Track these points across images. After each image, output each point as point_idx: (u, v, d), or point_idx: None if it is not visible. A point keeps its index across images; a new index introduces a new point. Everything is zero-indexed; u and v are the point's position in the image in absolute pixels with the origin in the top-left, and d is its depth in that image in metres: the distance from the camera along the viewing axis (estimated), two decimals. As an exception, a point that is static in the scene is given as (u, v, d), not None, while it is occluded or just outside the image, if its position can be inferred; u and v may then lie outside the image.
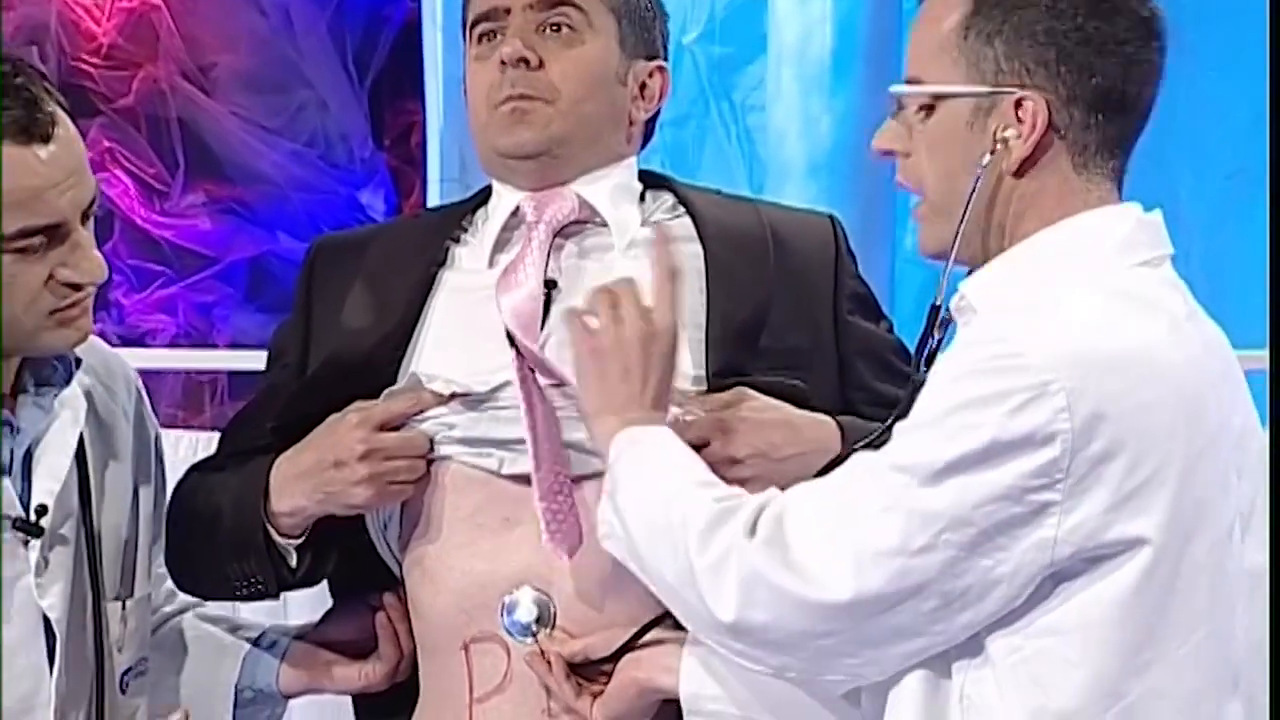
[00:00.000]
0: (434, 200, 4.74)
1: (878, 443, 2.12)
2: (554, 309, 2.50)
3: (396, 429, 2.45)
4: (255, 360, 4.08)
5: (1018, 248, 2.13)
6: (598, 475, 2.40)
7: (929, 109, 2.14)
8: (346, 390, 2.48)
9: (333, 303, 2.61)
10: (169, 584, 2.63)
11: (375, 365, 2.51)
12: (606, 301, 2.31)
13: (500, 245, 2.55)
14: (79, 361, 2.46)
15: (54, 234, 2.34)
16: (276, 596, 2.59)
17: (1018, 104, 2.10)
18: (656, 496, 2.19)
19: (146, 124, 4.87)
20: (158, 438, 2.59)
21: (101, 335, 4.81)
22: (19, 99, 2.36)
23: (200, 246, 4.79)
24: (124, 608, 2.49)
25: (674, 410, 2.41)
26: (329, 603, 2.68)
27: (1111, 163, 2.13)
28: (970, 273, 2.19)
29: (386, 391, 2.49)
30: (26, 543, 2.39)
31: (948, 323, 2.22)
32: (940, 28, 2.13)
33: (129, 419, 2.55)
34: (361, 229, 2.86)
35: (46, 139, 2.33)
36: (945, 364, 2.07)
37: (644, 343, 2.29)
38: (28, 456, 2.41)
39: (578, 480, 2.46)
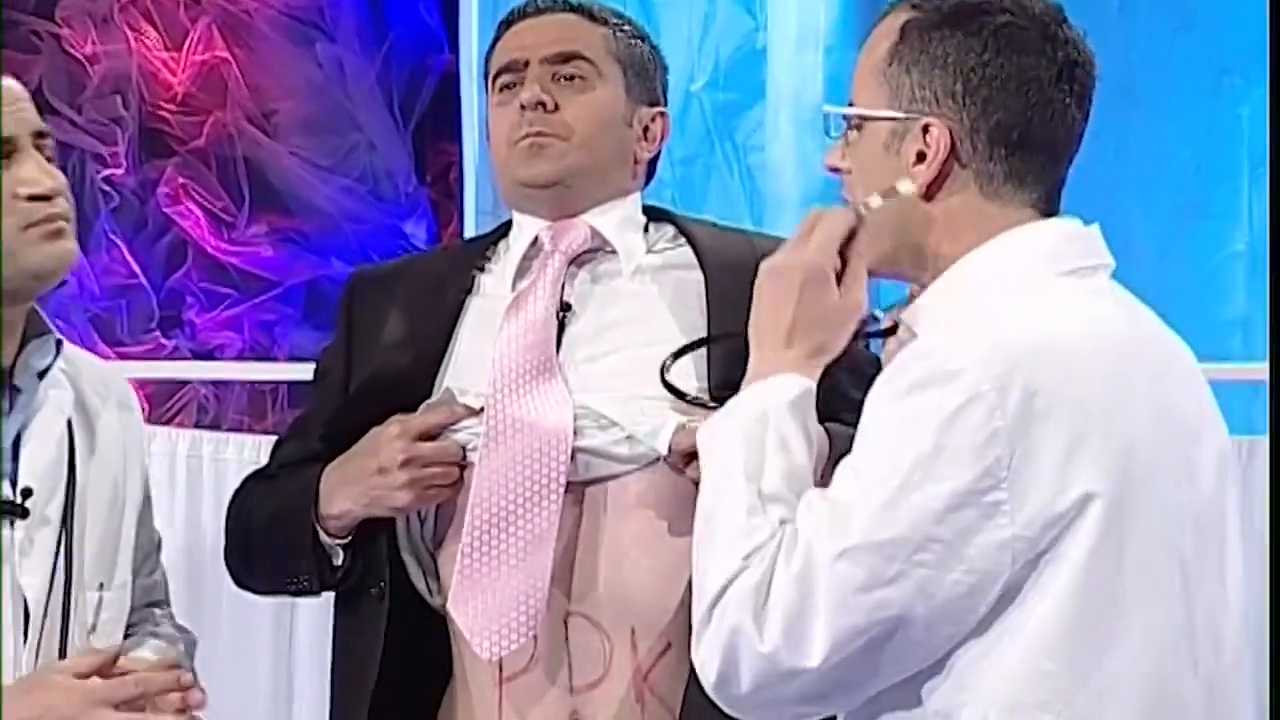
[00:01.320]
0: (470, 230, 4.75)
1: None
2: (569, 329, 2.52)
3: (433, 438, 2.45)
4: (311, 372, 4.31)
5: (945, 275, 2.03)
6: (612, 478, 2.44)
7: (858, 129, 2.05)
8: (386, 404, 2.47)
9: (371, 327, 2.59)
10: (152, 580, 2.52)
11: (412, 382, 2.50)
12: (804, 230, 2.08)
13: (521, 272, 2.56)
14: (59, 345, 2.35)
15: (7, 149, 2.26)
16: (319, 593, 2.58)
17: (925, 130, 2.02)
18: (707, 507, 2.00)
19: (216, 163, 4.82)
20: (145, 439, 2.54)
21: (175, 350, 4.86)
22: None
23: (263, 271, 4.76)
24: (100, 598, 2.38)
25: (680, 418, 2.40)
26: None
27: (1026, 193, 2.03)
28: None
29: (424, 405, 2.49)
30: (12, 523, 2.30)
31: (888, 332, 2.10)
32: (873, 55, 2.06)
33: (121, 423, 2.44)
34: (392, 262, 2.86)
35: None
36: (880, 387, 1.95)
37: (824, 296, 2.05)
38: (16, 438, 2.32)
39: (588, 484, 2.45)
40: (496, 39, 2.65)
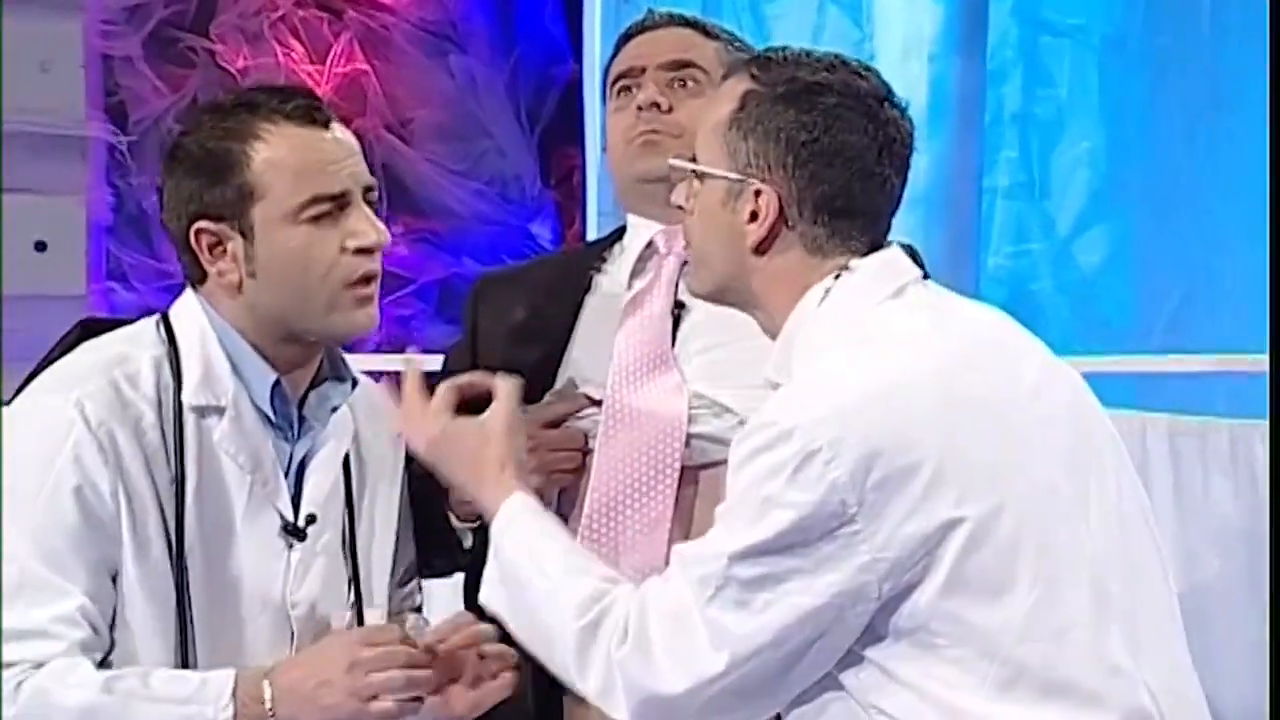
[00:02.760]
0: (592, 229, 4.76)
1: None
2: (683, 324, 2.55)
3: (557, 426, 2.50)
4: (440, 366, 4.29)
5: (785, 327, 2.12)
6: (725, 462, 2.44)
7: (700, 180, 2.15)
8: None
9: (495, 327, 2.63)
10: (409, 589, 2.53)
11: (536, 376, 2.52)
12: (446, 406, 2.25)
13: (636, 273, 2.60)
14: (355, 383, 2.37)
15: (340, 203, 2.26)
16: (450, 575, 2.61)
17: (757, 194, 2.10)
18: (531, 613, 2.12)
19: (357, 168, 4.91)
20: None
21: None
22: (298, 94, 2.31)
23: (400, 269, 4.70)
24: (364, 620, 2.35)
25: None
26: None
27: (849, 246, 2.10)
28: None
29: (548, 396, 2.53)
30: (290, 545, 2.30)
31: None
32: (715, 116, 2.14)
33: (394, 447, 2.43)
34: (514, 266, 2.89)
35: (327, 125, 2.28)
36: (736, 449, 2.05)
37: (503, 433, 2.22)
38: (302, 464, 2.33)
39: (702, 468, 2.47)
40: (616, 50, 2.69)
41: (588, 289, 2.63)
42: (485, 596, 2.17)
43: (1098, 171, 4.65)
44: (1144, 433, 3.82)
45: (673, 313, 2.57)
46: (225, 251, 2.27)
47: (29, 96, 4.40)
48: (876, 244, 2.13)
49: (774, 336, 2.15)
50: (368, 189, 2.29)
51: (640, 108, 2.58)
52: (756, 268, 2.14)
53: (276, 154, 2.25)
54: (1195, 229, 4.56)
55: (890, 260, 2.13)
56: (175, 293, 2.37)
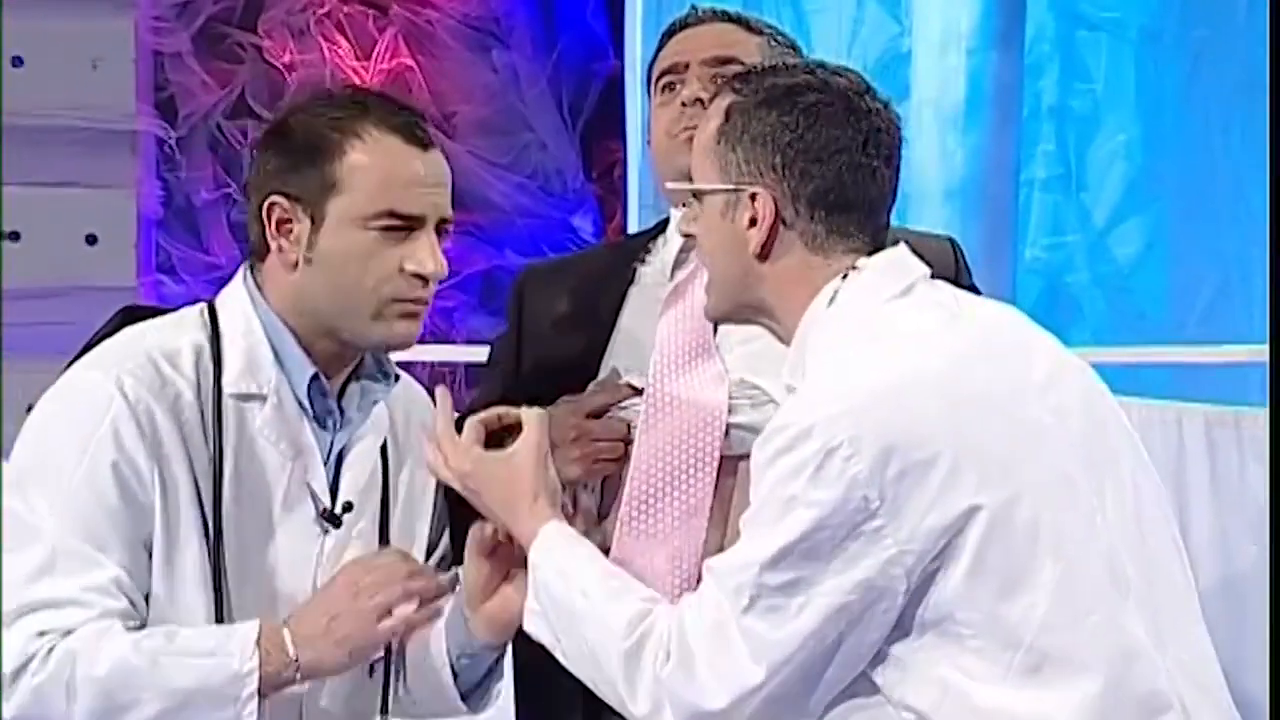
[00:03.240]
0: (633, 222, 4.76)
1: None
2: None
3: (600, 417, 2.48)
4: (487, 354, 4.28)
5: (798, 331, 2.14)
6: None
7: (699, 200, 2.17)
8: (555, 385, 2.51)
9: (539, 318, 2.64)
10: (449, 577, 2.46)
11: (579, 365, 2.55)
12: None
13: (678, 264, 2.60)
14: (396, 378, 2.36)
15: (413, 226, 2.25)
16: None
17: (753, 199, 2.12)
18: (577, 638, 2.12)
19: (401, 161, 4.91)
20: None
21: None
22: (409, 110, 2.30)
23: None
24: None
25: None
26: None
27: (849, 243, 2.12)
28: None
29: (591, 386, 2.52)
30: (325, 531, 2.30)
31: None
32: (704, 135, 2.17)
33: (419, 442, 2.40)
34: (558, 258, 2.89)
35: (426, 147, 2.28)
36: (757, 454, 2.06)
37: (530, 466, 2.22)
38: (340, 453, 2.33)
39: (741, 458, 2.42)
40: (660, 46, 2.69)
41: (631, 280, 2.62)
42: (529, 626, 2.18)
43: (1134, 164, 4.65)
44: (1180, 423, 3.81)
45: None
46: (290, 231, 2.27)
47: (81, 92, 4.43)
48: (878, 239, 2.15)
49: (788, 344, 2.16)
50: (443, 220, 2.28)
51: (684, 104, 2.58)
52: (764, 275, 2.15)
53: (369, 159, 2.25)
54: (1230, 221, 4.56)
55: (897, 259, 2.15)
56: (222, 285, 2.38)
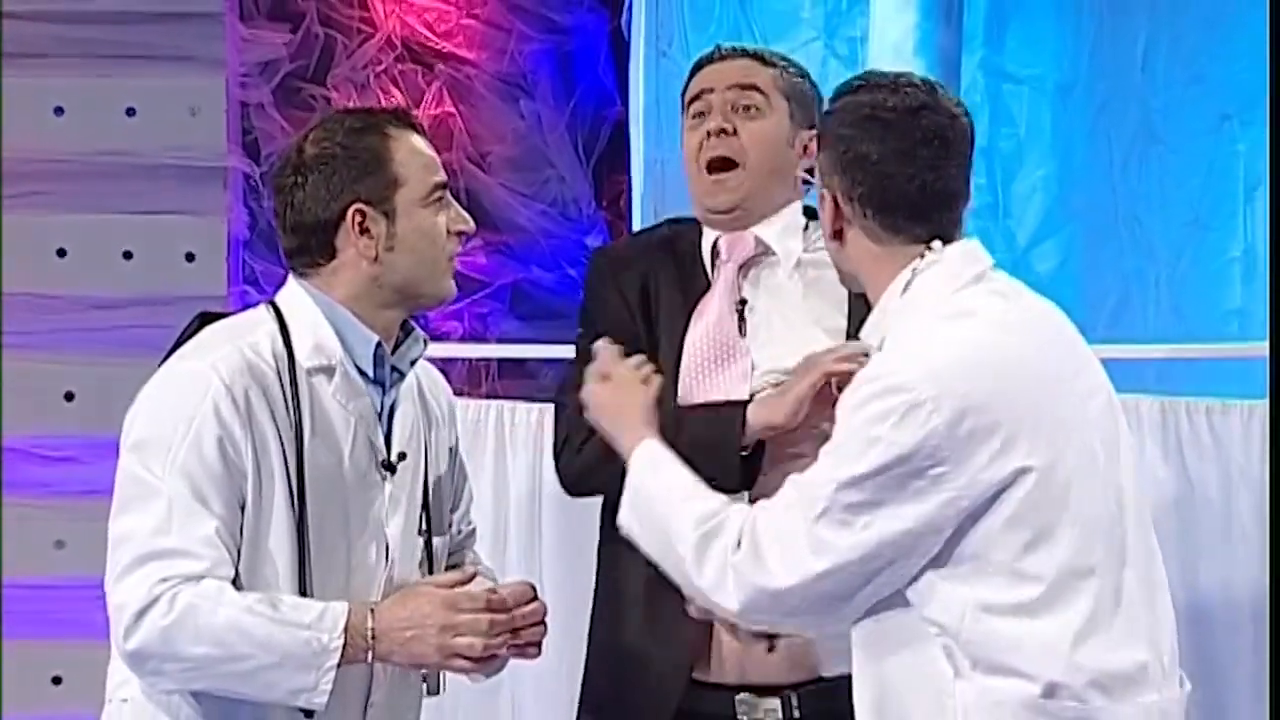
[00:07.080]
0: None
1: None
2: (748, 318, 2.62)
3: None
4: (515, 352, 4.39)
5: (880, 301, 2.17)
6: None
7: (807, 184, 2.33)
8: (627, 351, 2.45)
9: (610, 294, 2.68)
10: (470, 527, 2.55)
11: (639, 336, 2.60)
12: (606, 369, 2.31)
13: (712, 264, 2.68)
14: (425, 340, 2.42)
15: (446, 191, 2.36)
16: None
17: (828, 196, 2.21)
18: (657, 524, 2.14)
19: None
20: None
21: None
22: (398, 109, 2.40)
23: (478, 275, 4.75)
24: (432, 542, 2.42)
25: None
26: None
27: (906, 237, 2.15)
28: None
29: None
30: (384, 478, 2.34)
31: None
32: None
33: (446, 406, 2.50)
34: (622, 244, 3.00)
35: (421, 132, 2.37)
36: (847, 396, 2.10)
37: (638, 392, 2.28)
38: (390, 412, 2.37)
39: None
40: (691, 76, 2.75)
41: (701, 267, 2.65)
42: (621, 518, 2.19)
43: (1050, 195, 4.66)
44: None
45: (737, 309, 2.62)
46: (369, 231, 2.32)
47: (181, 136, 4.53)
48: (941, 232, 2.15)
49: (872, 301, 2.21)
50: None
51: (710, 133, 2.64)
52: (845, 255, 2.21)
53: (406, 152, 2.33)
54: (1130, 242, 4.62)
55: (970, 250, 2.18)
56: (290, 291, 2.43)
